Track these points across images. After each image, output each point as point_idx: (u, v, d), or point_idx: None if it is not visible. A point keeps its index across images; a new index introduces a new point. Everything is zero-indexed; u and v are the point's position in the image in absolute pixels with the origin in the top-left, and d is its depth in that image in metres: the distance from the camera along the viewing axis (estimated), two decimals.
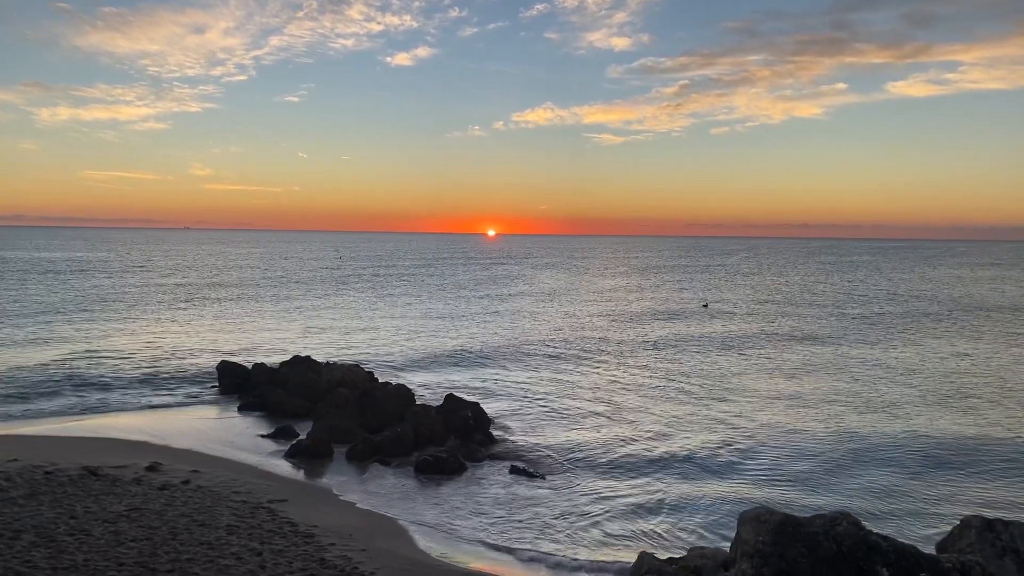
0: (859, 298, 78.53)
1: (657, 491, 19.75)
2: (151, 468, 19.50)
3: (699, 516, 18.06)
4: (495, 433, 24.86)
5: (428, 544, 15.93)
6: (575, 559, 15.57)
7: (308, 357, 31.70)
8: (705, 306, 67.58)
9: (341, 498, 18.74)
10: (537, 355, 41.00)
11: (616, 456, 22.76)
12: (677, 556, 13.47)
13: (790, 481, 20.67)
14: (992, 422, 27.15)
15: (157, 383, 31.73)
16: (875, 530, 10.54)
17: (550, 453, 23.02)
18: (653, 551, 14.62)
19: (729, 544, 11.80)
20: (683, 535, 16.89)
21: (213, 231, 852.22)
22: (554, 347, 43.98)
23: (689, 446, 23.74)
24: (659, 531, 17.16)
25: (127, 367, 34.72)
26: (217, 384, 30.81)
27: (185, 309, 59.98)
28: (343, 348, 41.99)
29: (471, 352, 41.61)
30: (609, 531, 17.09)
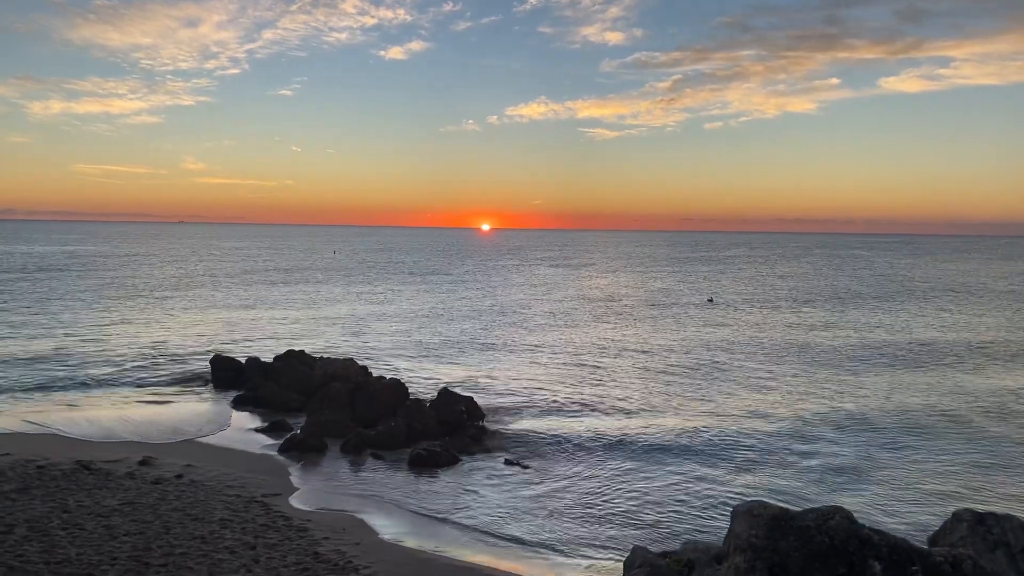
0: (853, 292, 78.75)
1: (651, 484, 19.80)
2: (144, 462, 19.46)
3: (692, 509, 18.12)
4: (489, 427, 24.88)
5: (422, 537, 15.93)
6: (568, 551, 15.61)
7: (302, 351, 31.67)
8: (710, 300, 67.78)
9: (335, 493, 18.72)
10: (532, 349, 41.01)
11: (610, 450, 22.80)
12: (670, 549, 13.52)
13: (784, 474, 20.74)
14: (987, 411, 27.31)
15: (150, 377, 31.63)
16: (868, 524, 10.59)
17: (544, 446, 23.05)
18: (646, 544, 14.67)
19: (722, 538, 11.83)
20: (676, 528, 16.95)
21: (206, 225, 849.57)
22: (550, 342, 43.99)
23: (683, 441, 23.79)
24: (652, 524, 17.21)
25: (120, 361, 34.60)
26: (210, 378, 30.73)
27: (178, 303, 59.79)
28: (337, 342, 41.93)
29: (465, 346, 41.61)
30: (602, 523, 17.13)
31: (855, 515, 10.49)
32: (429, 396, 26.94)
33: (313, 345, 38.60)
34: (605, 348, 41.89)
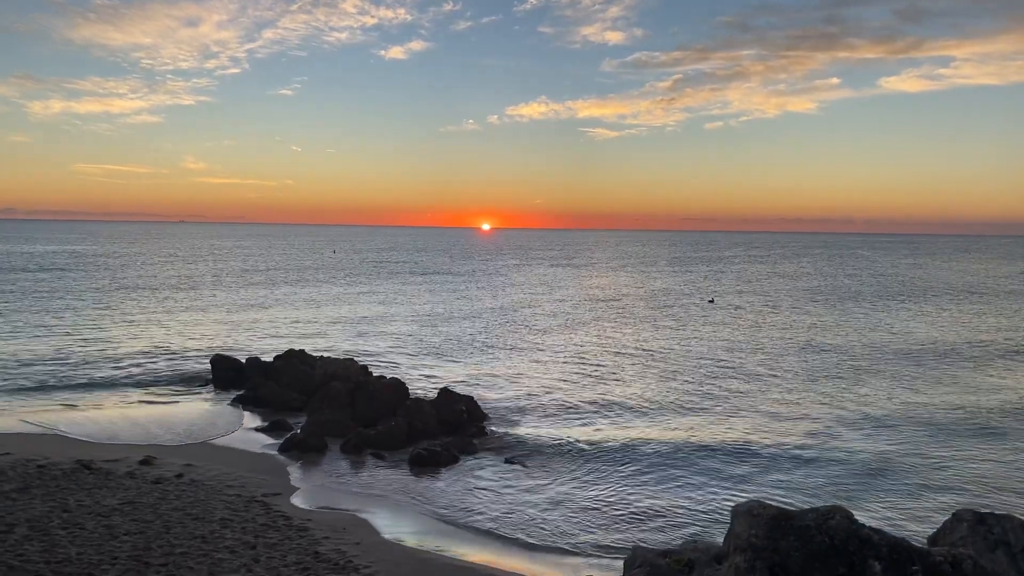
0: (855, 291, 78.69)
1: (651, 483, 19.79)
2: (144, 462, 19.47)
3: (693, 509, 18.11)
4: (489, 426, 24.88)
5: (422, 536, 15.94)
6: (569, 551, 15.61)
7: (302, 351, 31.65)
8: (711, 301, 67.78)
9: (335, 492, 18.74)
10: (533, 349, 41.01)
11: (611, 448, 22.78)
12: (670, 549, 13.52)
13: (784, 474, 20.73)
14: (988, 410, 27.30)
15: (151, 376, 31.64)
16: (868, 523, 10.59)
17: (544, 445, 23.04)
18: (646, 544, 14.67)
19: (722, 537, 11.83)
20: (676, 527, 16.94)
21: (207, 224, 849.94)
22: (551, 341, 43.98)
23: (684, 439, 23.78)
24: (652, 523, 17.20)
25: (121, 360, 34.60)
26: (211, 378, 30.73)
27: (179, 303, 59.80)
28: (337, 341, 41.93)
29: (466, 345, 41.61)
30: (603, 523, 17.13)
31: (855, 515, 10.49)
32: (430, 396, 26.93)
33: (313, 345, 38.62)
34: (606, 348, 41.89)
